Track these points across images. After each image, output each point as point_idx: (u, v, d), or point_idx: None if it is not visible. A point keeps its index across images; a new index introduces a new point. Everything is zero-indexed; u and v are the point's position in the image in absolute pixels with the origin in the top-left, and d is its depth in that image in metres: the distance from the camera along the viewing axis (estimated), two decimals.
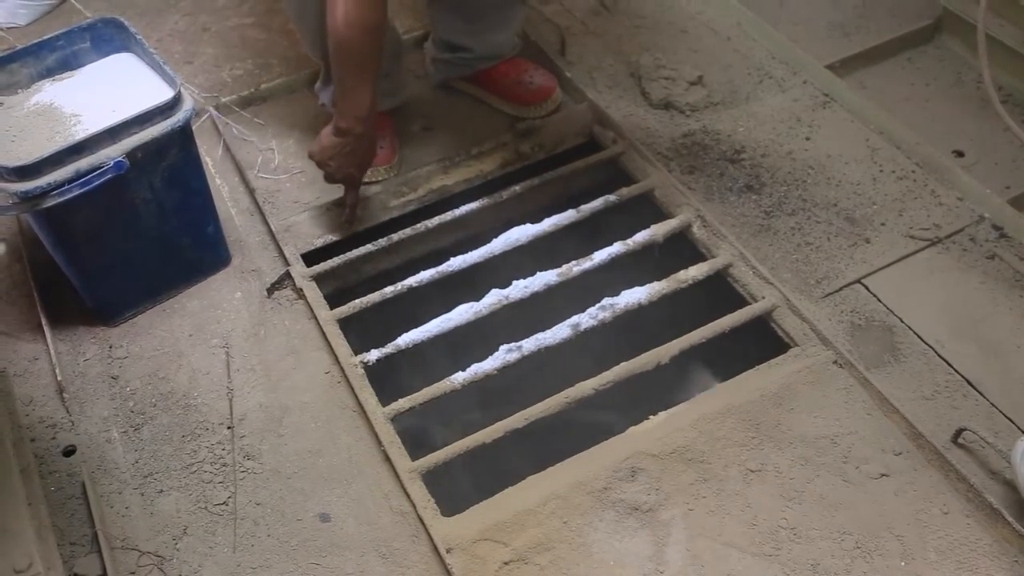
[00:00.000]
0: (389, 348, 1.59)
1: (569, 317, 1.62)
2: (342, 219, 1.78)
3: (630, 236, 1.72)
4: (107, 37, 1.65)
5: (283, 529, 1.41)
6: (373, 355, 1.58)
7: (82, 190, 1.44)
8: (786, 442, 1.44)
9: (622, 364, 1.53)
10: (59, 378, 1.59)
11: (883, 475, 1.40)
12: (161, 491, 1.46)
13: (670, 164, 1.87)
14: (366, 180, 1.87)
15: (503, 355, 1.55)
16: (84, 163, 1.44)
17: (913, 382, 1.51)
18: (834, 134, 1.90)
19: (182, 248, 1.68)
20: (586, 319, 1.58)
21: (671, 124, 1.96)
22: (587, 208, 1.77)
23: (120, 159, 1.46)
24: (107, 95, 1.56)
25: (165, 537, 1.40)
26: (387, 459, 1.46)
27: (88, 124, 1.50)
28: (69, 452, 1.53)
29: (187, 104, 1.52)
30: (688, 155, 1.89)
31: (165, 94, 1.52)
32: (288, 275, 1.71)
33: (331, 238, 1.79)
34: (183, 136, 1.54)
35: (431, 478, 1.45)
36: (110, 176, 1.45)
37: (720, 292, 1.68)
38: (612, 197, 1.79)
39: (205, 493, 1.46)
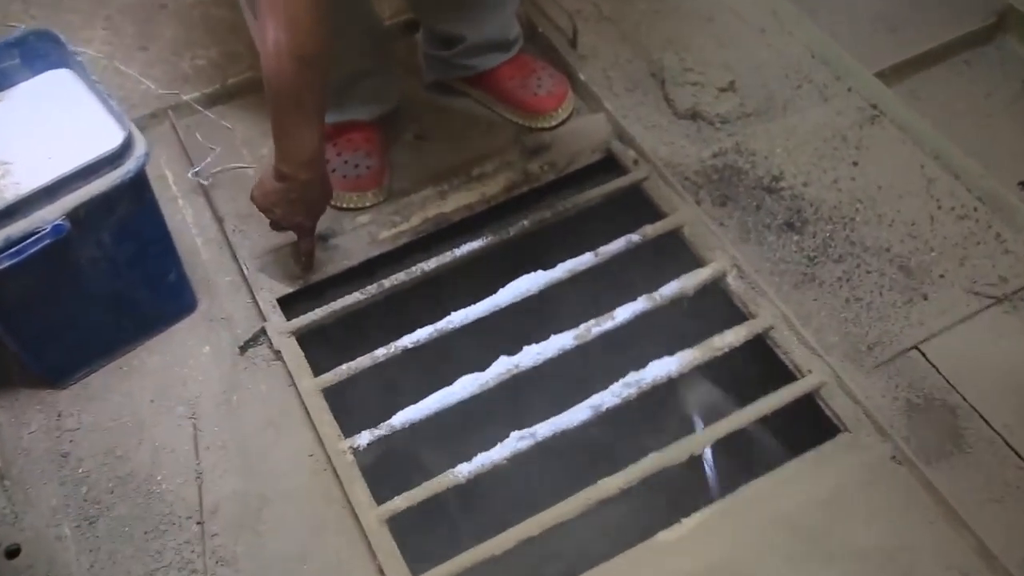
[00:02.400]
0: (382, 429, 1.38)
1: (586, 381, 1.42)
2: (298, 268, 1.55)
3: (655, 288, 1.50)
4: (41, 52, 1.38)
5: None
6: (364, 439, 1.37)
7: (13, 261, 1.20)
8: (837, 556, 1.27)
9: (651, 456, 1.34)
10: None
11: None
12: None
13: (699, 193, 1.64)
14: (353, 207, 1.63)
15: (514, 443, 1.35)
16: (15, 229, 1.20)
17: (979, 479, 1.33)
18: (885, 158, 1.67)
19: (139, 302, 1.45)
20: (608, 398, 1.38)
21: (699, 140, 1.72)
22: (606, 251, 1.55)
23: (59, 223, 1.22)
24: (42, 133, 1.30)
25: None
26: (382, 572, 1.27)
27: (19, 176, 1.25)
28: (13, 552, 1.32)
29: (139, 148, 1.27)
30: (720, 182, 1.65)
31: (111, 135, 1.27)
32: (263, 332, 1.48)
33: (287, 289, 1.55)
34: (135, 186, 1.29)
35: None
36: (47, 243, 1.21)
37: (758, 357, 1.48)
38: (635, 237, 1.56)
39: None
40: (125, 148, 1.25)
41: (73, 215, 1.23)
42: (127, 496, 1.36)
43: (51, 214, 1.22)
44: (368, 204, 1.63)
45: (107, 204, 1.27)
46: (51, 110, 1.34)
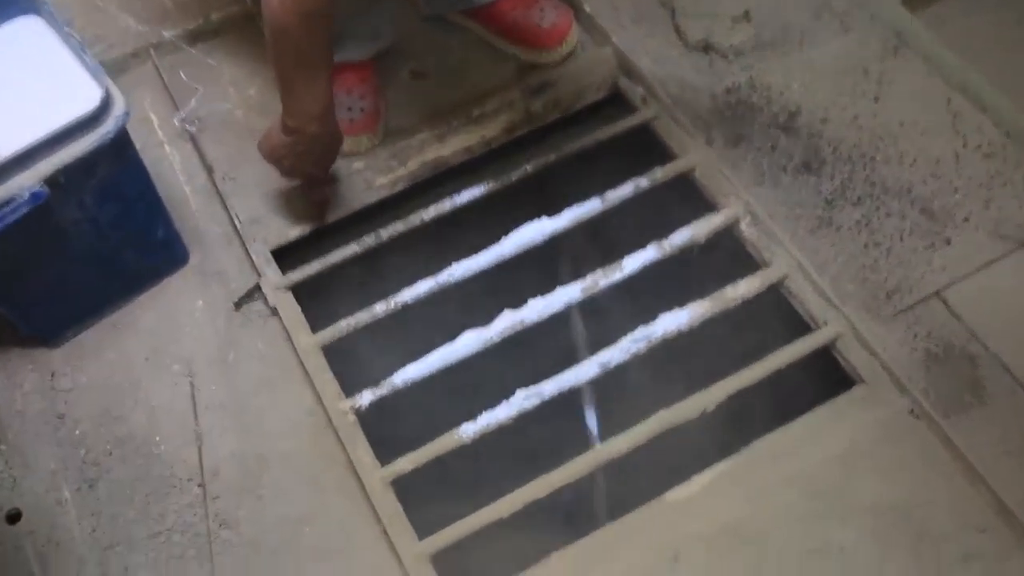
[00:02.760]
0: (384, 389, 1.34)
1: (593, 335, 1.38)
2: (311, 214, 1.51)
3: (665, 235, 1.44)
4: None
5: None
6: (365, 398, 1.33)
7: None
8: (851, 514, 1.24)
9: (661, 413, 1.30)
10: None
11: (967, 557, 1.20)
12: (127, 568, 1.25)
13: (711, 132, 1.56)
14: (347, 152, 1.56)
15: (520, 401, 1.31)
16: None
17: (997, 432, 1.29)
18: (908, 93, 1.58)
19: (127, 260, 1.39)
20: (617, 354, 1.34)
21: (711, 74, 1.63)
22: (613, 196, 1.48)
23: (37, 189, 1.16)
24: (12, 90, 1.23)
25: None
26: (386, 534, 1.25)
27: None
28: (14, 517, 1.30)
29: (118, 107, 1.20)
30: (733, 119, 1.57)
31: (87, 93, 1.19)
32: (258, 288, 1.44)
33: (303, 230, 1.50)
34: (115, 146, 1.22)
35: (441, 557, 1.24)
36: (26, 211, 1.16)
37: (771, 307, 1.42)
38: (643, 181, 1.50)
39: (177, 571, 1.25)
40: (103, 108, 1.18)
41: (51, 180, 1.17)
42: (125, 458, 1.34)
43: (28, 180, 1.15)
44: (363, 149, 1.56)
45: (87, 167, 1.20)
46: (22, 64, 1.25)
